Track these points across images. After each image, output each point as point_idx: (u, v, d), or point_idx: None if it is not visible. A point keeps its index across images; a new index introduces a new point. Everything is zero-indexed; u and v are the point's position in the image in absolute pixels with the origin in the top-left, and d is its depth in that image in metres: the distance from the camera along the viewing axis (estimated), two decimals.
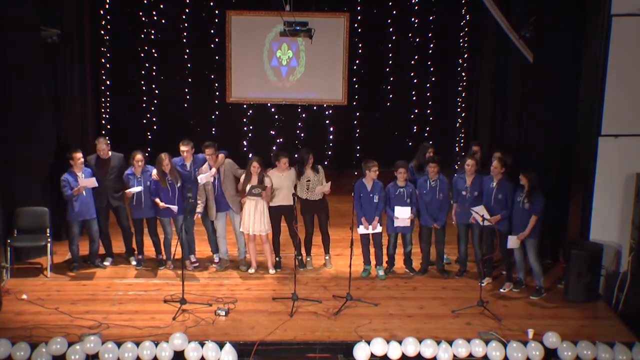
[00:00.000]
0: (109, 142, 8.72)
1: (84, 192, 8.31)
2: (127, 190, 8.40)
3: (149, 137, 13.72)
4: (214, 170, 8.37)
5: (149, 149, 11.61)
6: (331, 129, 14.13)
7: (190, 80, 13.77)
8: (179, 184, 8.43)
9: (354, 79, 13.88)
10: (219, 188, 8.46)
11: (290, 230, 8.48)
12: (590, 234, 8.15)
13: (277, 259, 8.76)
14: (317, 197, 8.57)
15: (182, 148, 8.52)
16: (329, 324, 7.27)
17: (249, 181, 8.29)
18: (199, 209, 8.51)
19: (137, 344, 6.69)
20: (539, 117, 9.14)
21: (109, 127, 12.77)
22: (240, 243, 8.75)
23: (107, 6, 12.61)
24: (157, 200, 8.35)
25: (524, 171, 7.88)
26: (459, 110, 13.71)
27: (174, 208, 8.31)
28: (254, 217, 8.32)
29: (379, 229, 8.41)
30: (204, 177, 8.35)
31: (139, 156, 8.38)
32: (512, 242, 7.91)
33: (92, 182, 8.30)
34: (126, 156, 8.69)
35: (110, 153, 8.68)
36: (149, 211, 8.53)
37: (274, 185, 8.43)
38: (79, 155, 8.33)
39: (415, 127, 14.22)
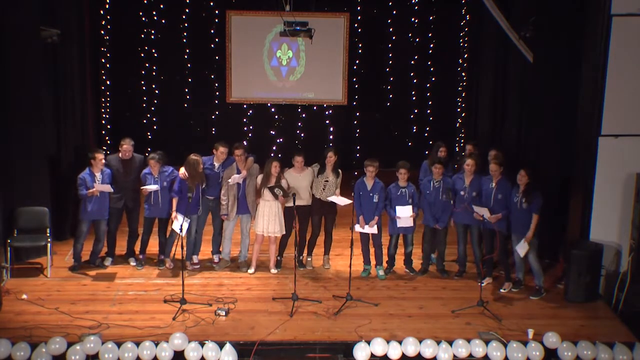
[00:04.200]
0: (133, 143, 8.65)
1: (98, 194, 8.29)
2: (143, 187, 8.38)
3: (149, 137, 13.72)
4: (244, 172, 8.34)
5: (149, 149, 11.60)
6: (331, 129, 14.12)
7: (190, 80, 13.76)
8: (203, 185, 8.41)
9: (354, 79, 13.88)
10: (243, 190, 8.43)
11: (301, 230, 8.42)
12: (590, 234, 8.14)
13: (279, 258, 8.75)
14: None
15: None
16: (329, 324, 7.27)
17: (267, 182, 8.25)
18: (224, 210, 8.47)
19: (137, 344, 6.69)
20: (539, 117, 9.14)
21: (109, 127, 12.75)
22: (244, 247, 8.73)
23: (107, 6, 12.61)
24: (174, 204, 8.31)
25: (526, 167, 7.86)
26: (459, 110, 13.71)
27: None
28: (268, 218, 8.28)
29: (374, 229, 8.38)
30: (237, 177, 8.30)
31: (152, 162, 8.39)
32: (522, 247, 7.87)
33: (107, 189, 8.29)
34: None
35: (133, 154, 8.66)
36: (163, 211, 8.52)
37: (290, 185, 8.38)
38: (101, 156, 8.32)
39: (415, 127, 14.22)
